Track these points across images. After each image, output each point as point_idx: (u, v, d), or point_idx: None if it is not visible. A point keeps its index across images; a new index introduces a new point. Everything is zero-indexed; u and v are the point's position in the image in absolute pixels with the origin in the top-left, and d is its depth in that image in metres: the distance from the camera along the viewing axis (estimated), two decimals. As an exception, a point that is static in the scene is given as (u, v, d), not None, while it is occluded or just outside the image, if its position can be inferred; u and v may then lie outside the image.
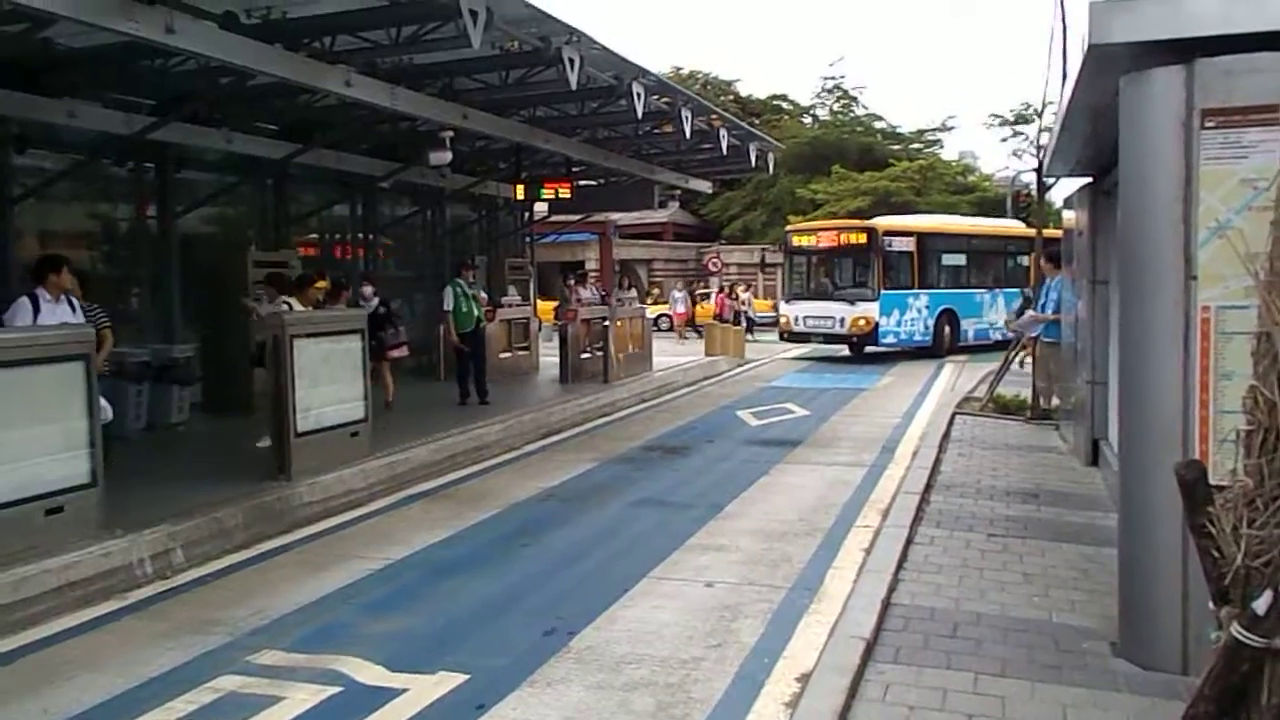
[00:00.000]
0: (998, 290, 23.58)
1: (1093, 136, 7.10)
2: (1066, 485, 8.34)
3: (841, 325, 20.87)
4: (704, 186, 22.32)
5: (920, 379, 17.65)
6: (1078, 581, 5.69)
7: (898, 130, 46.94)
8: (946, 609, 5.25)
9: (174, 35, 7.06)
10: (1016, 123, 42.38)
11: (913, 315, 21.15)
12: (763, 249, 32.03)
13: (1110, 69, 4.58)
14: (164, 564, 6.38)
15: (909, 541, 6.49)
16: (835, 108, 48.30)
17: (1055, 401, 11.56)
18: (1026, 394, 12.61)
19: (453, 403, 12.48)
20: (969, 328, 22.63)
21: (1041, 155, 11.68)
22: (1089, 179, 9.25)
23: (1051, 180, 13.03)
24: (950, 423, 11.51)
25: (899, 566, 5.94)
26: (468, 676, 4.64)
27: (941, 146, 46.89)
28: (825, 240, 21.93)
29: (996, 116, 44.71)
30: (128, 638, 5.32)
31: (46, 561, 5.78)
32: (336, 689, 4.56)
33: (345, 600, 5.90)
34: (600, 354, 15.74)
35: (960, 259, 23.20)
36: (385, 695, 4.48)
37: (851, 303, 20.87)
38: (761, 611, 5.51)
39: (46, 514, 6.12)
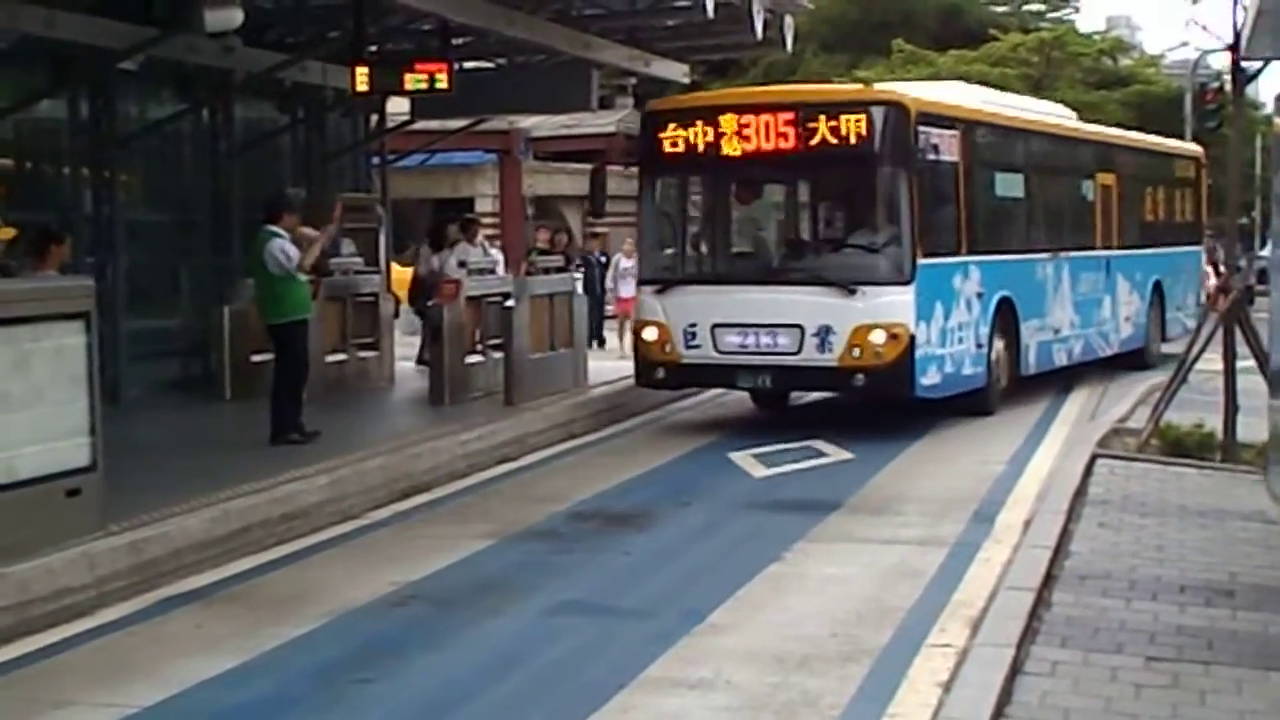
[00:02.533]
0: (1076, 256, 19.37)
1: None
2: (1278, 575, 8.44)
3: (824, 346, 14.44)
4: (675, 72, 22.12)
5: (1039, 399, 17.78)
6: (1294, 735, 5.75)
7: (1004, -18, 47.37)
8: (1077, 784, 5.28)
9: None
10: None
11: (961, 317, 15.60)
12: None
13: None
14: None
15: (1015, 671, 6.51)
16: (900, -58, 48.65)
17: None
18: (1214, 422, 12.74)
19: (250, 439, 12.38)
20: (1030, 338, 17.62)
21: (1238, 23, 11.83)
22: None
23: (1255, 65, 13.20)
24: (1088, 471, 11.61)
25: (998, 713, 5.97)
26: None
27: (1077, 10, 47.50)
28: (768, 137, 14.90)
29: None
30: None
31: None
32: None
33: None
34: (500, 357, 15.71)
35: (1021, 186, 18.42)
36: None
37: (847, 291, 14.47)
38: (767, 792, 5.52)
39: None
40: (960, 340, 15.21)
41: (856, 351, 14.00)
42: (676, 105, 16.34)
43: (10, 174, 15.84)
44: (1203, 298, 22.25)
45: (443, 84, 16.18)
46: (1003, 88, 37.63)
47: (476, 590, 8.75)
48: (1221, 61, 17.18)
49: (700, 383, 16.25)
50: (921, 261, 14.21)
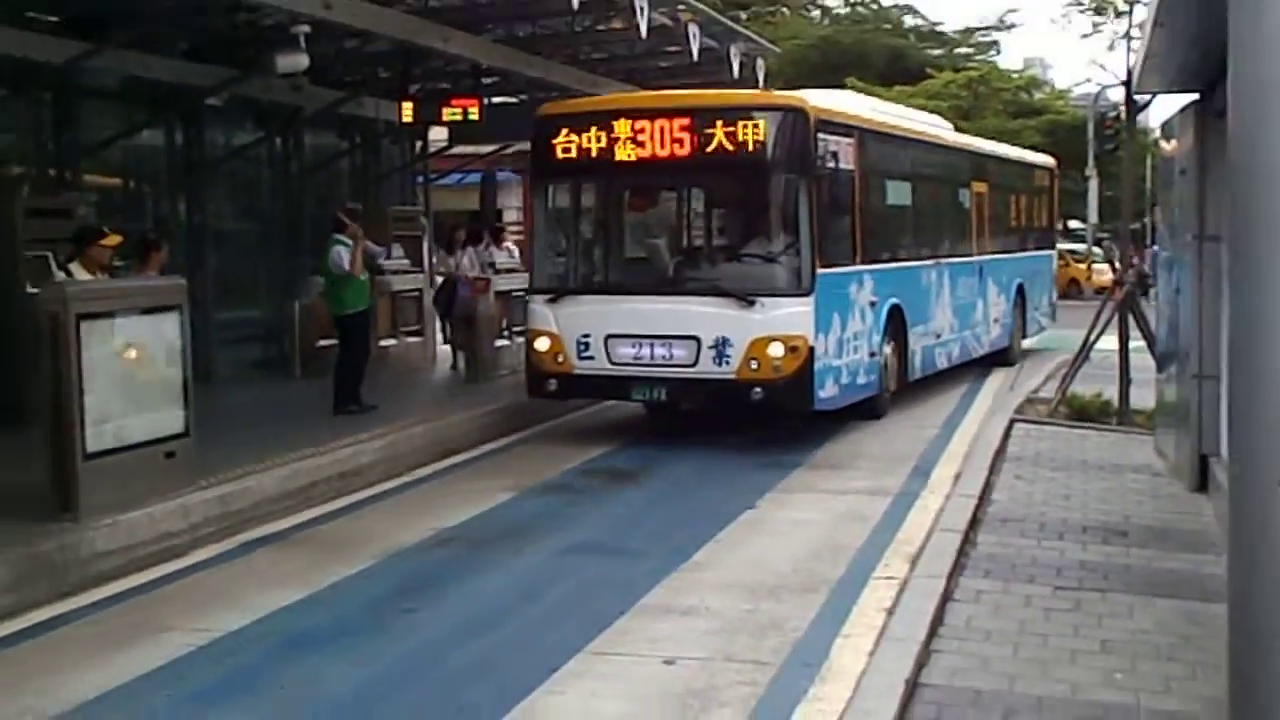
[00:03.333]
0: (954, 263, 16.21)
1: (1199, 37, 7.17)
2: (1164, 518, 8.47)
3: (721, 359, 11.66)
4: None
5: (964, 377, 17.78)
6: (1176, 651, 5.77)
7: (938, 30, 47.40)
8: (996, 691, 5.31)
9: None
10: (1099, 11, 42.84)
11: (856, 327, 12.69)
12: None
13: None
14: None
15: (947, 598, 6.54)
16: (853, -2, 48.55)
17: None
18: (1110, 393, 12.79)
19: (316, 409, 12.38)
20: (916, 343, 14.55)
21: (1131, 64, 11.82)
22: (1196, 96, 9.36)
23: (1145, 98, 13.21)
24: (1007, 434, 11.64)
25: (932, 633, 5.98)
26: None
27: (999, 52, 47.50)
28: (664, 142, 11.96)
29: (1075, 5, 45.13)
30: None
31: None
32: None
33: (158, 689, 5.84)
34: (522, 342, 15.70)
35: (909, 194, 15.43)
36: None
37: (745, 302, 11.61)
38: (742, 698, 5.53)
39: None
40: (855, 350, 12.43)
41: (754, 364, 11.27)
42: (569, 109, 12.96)
43: (117, 191, 15.84)
44: (1054, 295, 21.43)
45: (475, 116, 16.34)
46: (941, 114, 37.81)
47: (502, 534, 8.75)
48: (1118, 95, 17.05)
49: (594, 394, 13.00)
50: (820, 271, 11.48)
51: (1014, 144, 39.77)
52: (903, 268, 14.05)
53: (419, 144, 19.97)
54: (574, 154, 12.10)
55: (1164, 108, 12.55)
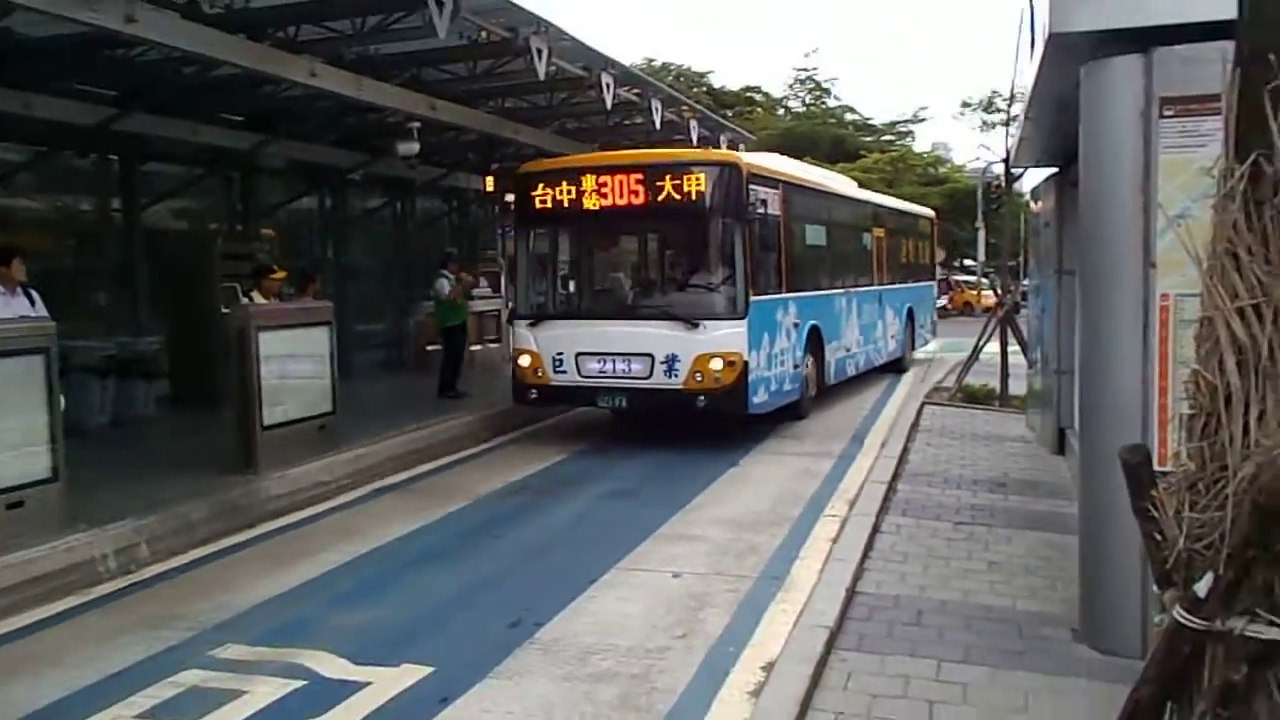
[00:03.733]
0: (859, 291, 14.52)
1: (1058, 126, 7.14)
2: (1033, 474, 8.42)
3: (671, 372, 10.37)
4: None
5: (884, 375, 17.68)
6: (1041, 569, 5.75)
7: (870, 122, 47.18)
8: (911, 597, 5.29)
9: (135, 25, 6.95)
10: (987, 110, 42.65)
11: (783, 344, 11.33)
12: None
13: (1072, 58, 4.62)
14: (128, 559, 6.30)
15: (875, 530, 6.52)
16: (808, 100, 48.42)
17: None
18: (994, 383, 12.73)
19: (424, 395, 12.40)
20: (831, 356, 12.93)
21: (1010, 145, 11.75)
22: (1055, 169, 9.32)
23: (1020, 171, 13.14)
24: (919, 413, 11.58)
25: (865, 555, 5.97)
26: (432, 669, 4.62)
27: (913, 138, 47.18)
28: (622, 193, 10.80)
29: (968, 105, 45.03)
30: (90, 633, 5.25)
31: (7, 557, 5.70)
32: (300, 682, 4.53)
33: (310, 594, 5.86)
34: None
35: (824, 236, 13.78)
36: (349, 688, 4.45)
37: (691, 325, 10.24)
38: (728, 602, 5.52)
39: (7, 508, 6.04)
40: (782, 363, 11.03)
41: (699, 377, 10.04)
42: (544, 167, 11.40)
43: (284, 240, 15.89)
44: (935, 316, 19.83)
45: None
46: (868, 187, 37.67)
47: (558, 484, 8.75)
48: (1000, 169, 16.94)
49: (566, 401, 11.41)
50: (753, 299, 10.20)
51: (922, 204, 39.76)
52: (819, 295, 12.49)
53: (497, 206, 19.98)
54: (548, 204, 10.82)
55: (1033, 177, 12.49)
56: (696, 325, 10.07)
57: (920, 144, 47.25)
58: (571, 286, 12.20)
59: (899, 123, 47.00)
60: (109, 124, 10.42)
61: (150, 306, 12.13)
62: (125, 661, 4.82)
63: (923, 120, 63.13)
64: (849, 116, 47.08)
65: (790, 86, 49.39)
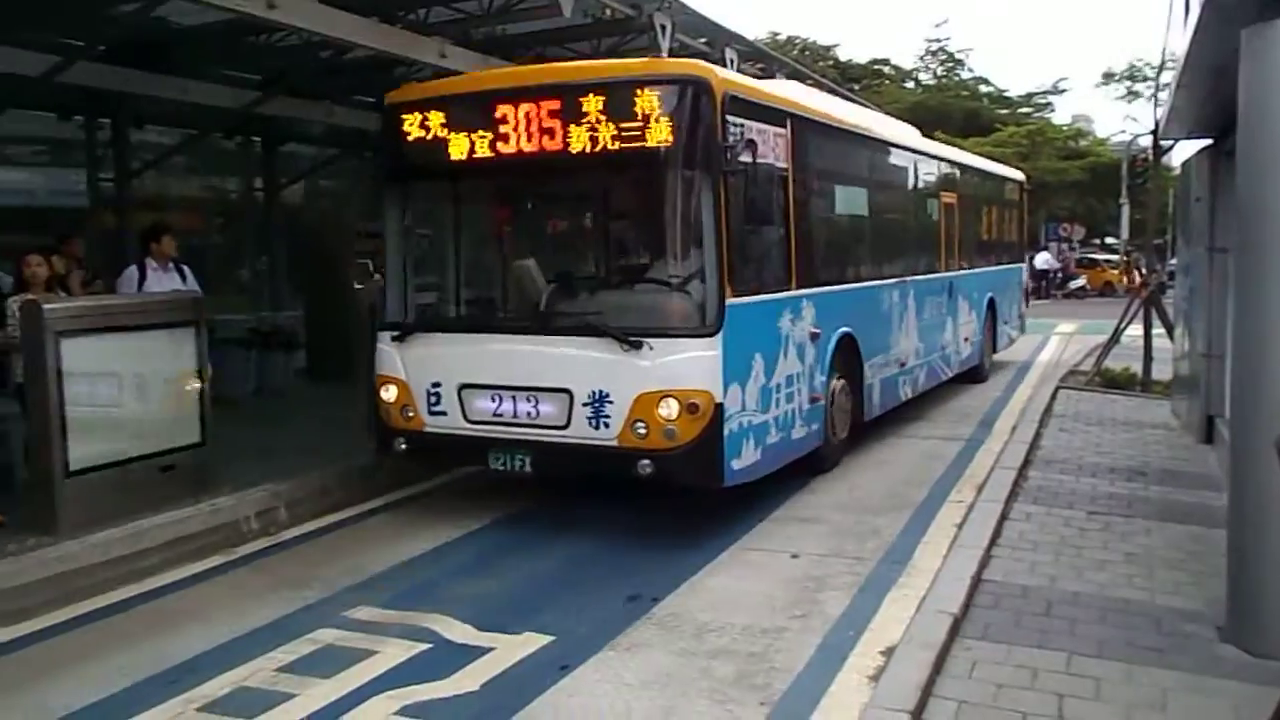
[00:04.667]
0: (920, 280, 10.23)
1: (1212, 95, 6.73)
2: (1177, 463, 8.00)
3: (598, 419, 6.29)
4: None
5: (1020, 350, 16.99)
6: (1184, 563, 5.47)
7: (1005, 94, 45.38)
8: (1041, 587, 5.11)
9: (275, 10, 7.22)
10: (1132, 79, 40.50)
11: (789, 368, 7.09)
12: None
13: (1232, 21, 4.33)
14: (269, 521, 6.63)
15: (1004, 517, 6.32)
16: (939, 72, 46.90)
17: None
18: (1136, 367, 12.15)
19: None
20: (874, 377, 8.89)
21: (1158, 117, 11.14)
22: (1209, 141, 8.79)
23: (1169, 143, 12.45)
24: (1053, 397, 11.13)
25: (992, 542, 5.79)
26: (552, 638, 4.71)
27: (1053, 110, 45.21)
28: (530, 132, 6.46)
29: (1111, 75, 42.77)
30: (235, 590, 5.56)
31: (159, 517, 6.08)
32: (426, 645, 4.69)
33: (435, 561, 6.05)
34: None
35: (864, 203, 9.30)
36: (473, 653, 4.58)
37: (629, 344, 6.18)
38: (847, 584, 5.45)
39: (161, 470, 6.44)
40: (789, 397, 7.04)
41: (641, 428, 6.15)
42: (418, 94, 7.21)
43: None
44: (1024, 307, 15.52)
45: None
46: (1004, 160, 36.18)
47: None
48: (1147, 141, 16.08)
49: (448, 457, 7.45)
50: (733, 301, 6.21)
51: (1059, 180, 37.94)
52: (857, 289, 8.56)
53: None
54: (424, 152, 6.84)
55: (1184, 150, 11.77)
56: (638, 345, 6.05)
57: (1060, 116, 45.29)
58: (455, 281, 7.64)
59: (1036, 94, 45.10)
60: (252, 107, 10.89)
61: (289, 282, 12.69)
62: (266, 618, 5.08)
63: (1062, 91, 60.40)
64: (983, 89, 45.40)
65: (921, 58, 47.97)
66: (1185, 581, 5.17)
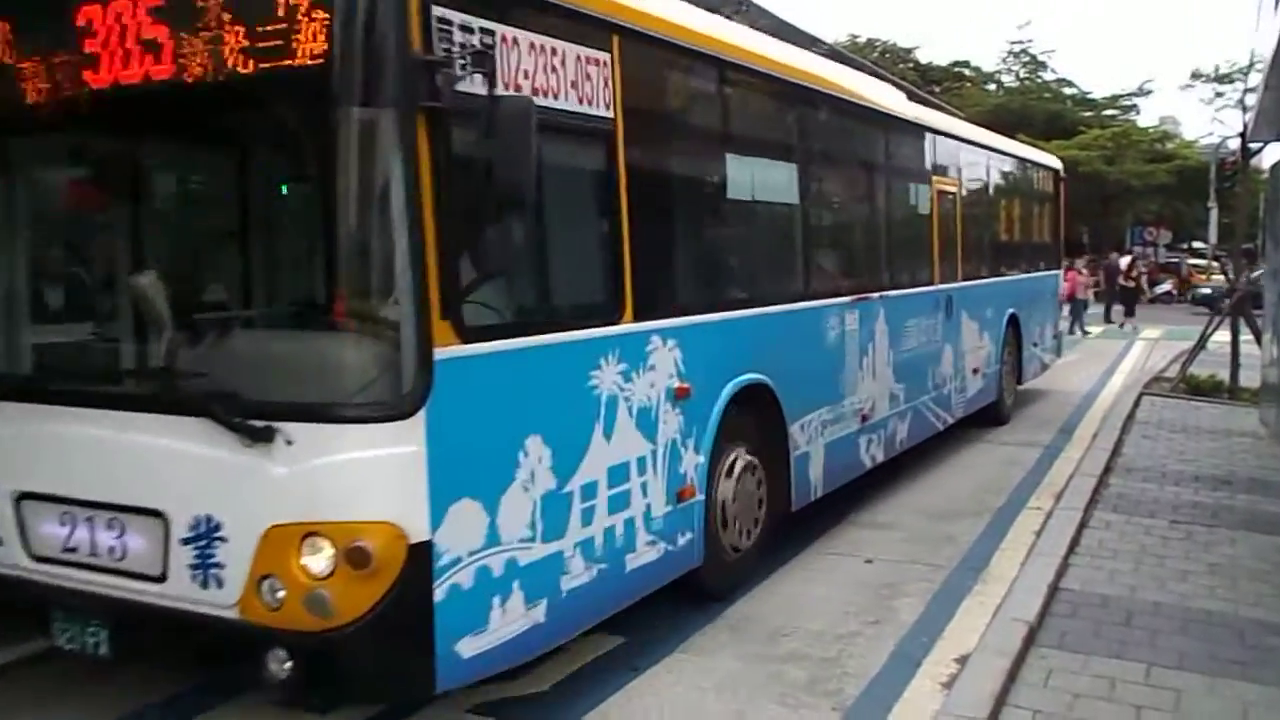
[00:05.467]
0: (900, 296, 7.41)
1: (1303, 96, 6.52)
2: (1264, 472, 7.75)
3: (205, 575, 3.35)
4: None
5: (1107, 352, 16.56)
6: (1269, 575, 5.30)
7: (1089, 96, 44.25)
8: (1120, 597, 5.00)
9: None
10: (1220, 80, 39.14)
11: (621, 453, 4.21)
12: None
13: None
14: None
15: (1083, 525, 6.19)
16: (1022, 73, 45.93)
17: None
18: (1223, 374, 11.78)
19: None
20: (811, 444, 5.93)
21: (1246, 119, 10.80)
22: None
23: (1257, 146, 12.07)
24: (1136, 404, 10.84)
25: (1070, 550, 5.68)
26: (623, 639, 4.76)
27: (1138, 112, 43.91)
28: (118, 52, 3.41)
29: (1198, 76, 41.43)
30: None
31: None
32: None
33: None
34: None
35: (795, 189, 6.12)
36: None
37: (253, 433, 3.25)
38: (922, 590, 5.40)
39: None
40: (619, 503, 4.20)
41: (274, 590, 3.23)
42: None
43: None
44: (1059, 325, 12.83)
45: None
46: (1085, 165, 35.14)
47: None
48: (1235, 144, 15.54)
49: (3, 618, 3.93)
50: (453, 352, 3.28)
51: (1145, 184, 36.76)
52: (776, 315, 5.66)
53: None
54: None
55: (1274, 153, 11.38)
56: (265, 434, 3.29)
57: (1146, 119, 43.99)
58: (16, 307, 4.31)
59: (1121, 96, 43.84)
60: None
61: None
62: None
63: (1148, 93, 58.60)
64: (1066, 91, 44.32)
65: (1003, 60, 47.06)
66: (1270, 594, 5.02)
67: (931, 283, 8.18)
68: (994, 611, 4.82)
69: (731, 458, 5.14)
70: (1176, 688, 3.99)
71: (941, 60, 48.01)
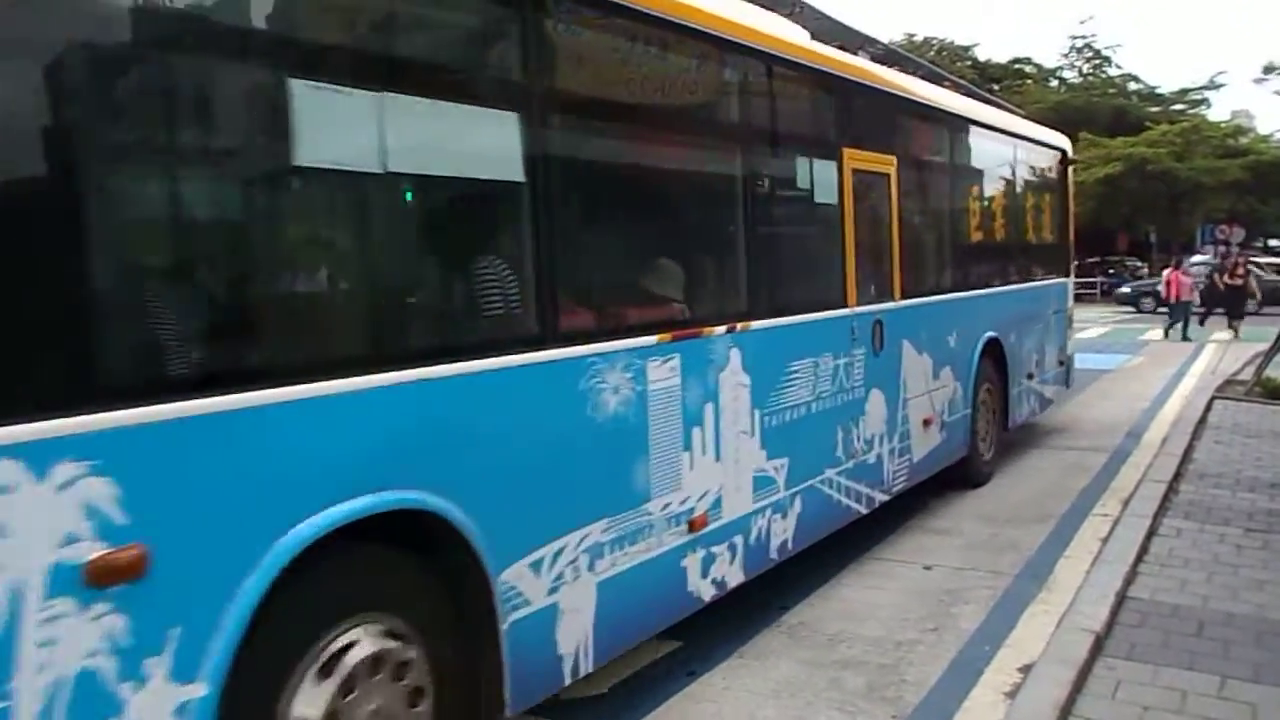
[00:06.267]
0: (763, 331, 4.74)
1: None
2: (1346, 479, 7.47)
3: None
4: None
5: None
6: (1352, 586, 5.10)
7: (1156, 91, 43.26)
8: (1191, 607, 4.85)
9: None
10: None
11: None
12: None
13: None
14: None
15: (1152, 533, 6.02)
16: (1085, 69, 45.12)
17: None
18: (1301, 377, 11.41)
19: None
20: (574, 597, 3.57)
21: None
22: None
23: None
24: (1208, 408, 10.53)
25: (1139, 559, 5.54)
26: (680, 643, 4.74)
27: (1208, 106, 42.83)
28: None
29: (1272, 69, 40.20)
30: None
31: None
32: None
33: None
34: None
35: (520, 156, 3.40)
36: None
37: None
38: (983, 598, 5.30)
39: None
40: None
41: None
42: None
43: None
44: (1064, 352, 9.86)
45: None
46: (1154, 162, 34.30)
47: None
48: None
49: None
50: None
51: (1217, 181, 35.84)
52: (449, 381, 3.06)
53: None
54: None
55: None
56: None
57: (1217, 113, 42.88)
58: None
59: (1190, 90, 42.76)
60: None
61: None
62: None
63: (1219, 87, 56.96)
64: (1131, 86, 43.41)
65: (1065, 55, 46.30)
66: (1354, 606, 4.83)
67: (844, 304, 5.59)
68: (1058, 620, 4.71)
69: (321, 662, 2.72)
70: (1251, 701, 3.86)
71: (1000, 58, 47.34)
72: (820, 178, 5.62)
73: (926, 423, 6.66)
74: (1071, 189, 10.43)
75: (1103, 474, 8.11)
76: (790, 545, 5.09)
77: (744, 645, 4.73)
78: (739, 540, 4.64)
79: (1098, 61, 44.85)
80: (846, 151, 5.75)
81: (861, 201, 5.88)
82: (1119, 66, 44.89)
